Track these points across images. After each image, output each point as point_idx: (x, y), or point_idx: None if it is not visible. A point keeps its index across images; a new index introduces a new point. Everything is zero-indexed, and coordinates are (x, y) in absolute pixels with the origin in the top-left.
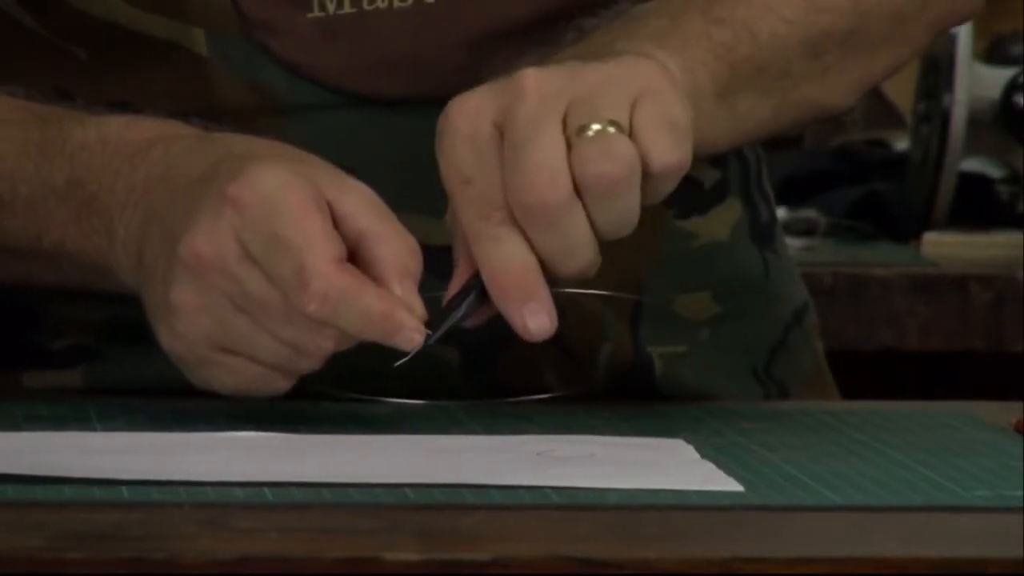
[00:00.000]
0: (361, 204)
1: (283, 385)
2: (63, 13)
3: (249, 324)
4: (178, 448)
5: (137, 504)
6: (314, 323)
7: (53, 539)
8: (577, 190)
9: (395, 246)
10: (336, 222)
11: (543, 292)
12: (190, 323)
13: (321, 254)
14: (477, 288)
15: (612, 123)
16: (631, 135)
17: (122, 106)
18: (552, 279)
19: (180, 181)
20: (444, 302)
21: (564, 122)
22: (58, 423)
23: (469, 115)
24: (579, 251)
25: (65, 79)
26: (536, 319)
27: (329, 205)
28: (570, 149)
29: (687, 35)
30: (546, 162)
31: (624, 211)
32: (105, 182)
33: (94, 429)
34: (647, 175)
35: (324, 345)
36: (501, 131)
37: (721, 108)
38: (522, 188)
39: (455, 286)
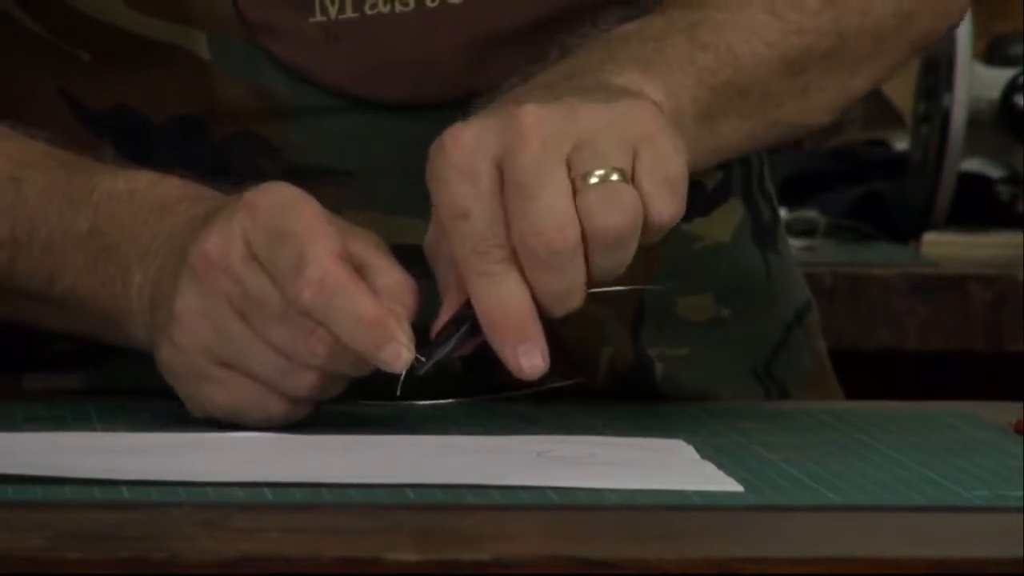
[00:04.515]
0: (368, 245)
1: (276, 409)
2: (65, 16)
3: (246, 332)
4: (178, 448)
5: (137, 504)
6: (307, 324)
7: (53, 539)
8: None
9: (395, 279)
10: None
11: (538, 332)
12: (189, 330)
13: (323, 246)
14: (469, 321)
15: (616, 170)
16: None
17: (125, 109)
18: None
19: (192, 229)
20: (433, 333)
21: (568, 164)
22: (58, 423)
23: (466, 150)
24: (574, 295)
25: (68, 82)
26: (530, 359)
27: None
28: (575, 193)
29: (671, 60)
30: (555, 207)
31: (622, 259)
32: (129, 231)
33: (94, 429)
34: (643, 226)
35: (317, 350)
36: (500, 170)
37: (703, 131)
38: (530, 232)
39: (444, 316)
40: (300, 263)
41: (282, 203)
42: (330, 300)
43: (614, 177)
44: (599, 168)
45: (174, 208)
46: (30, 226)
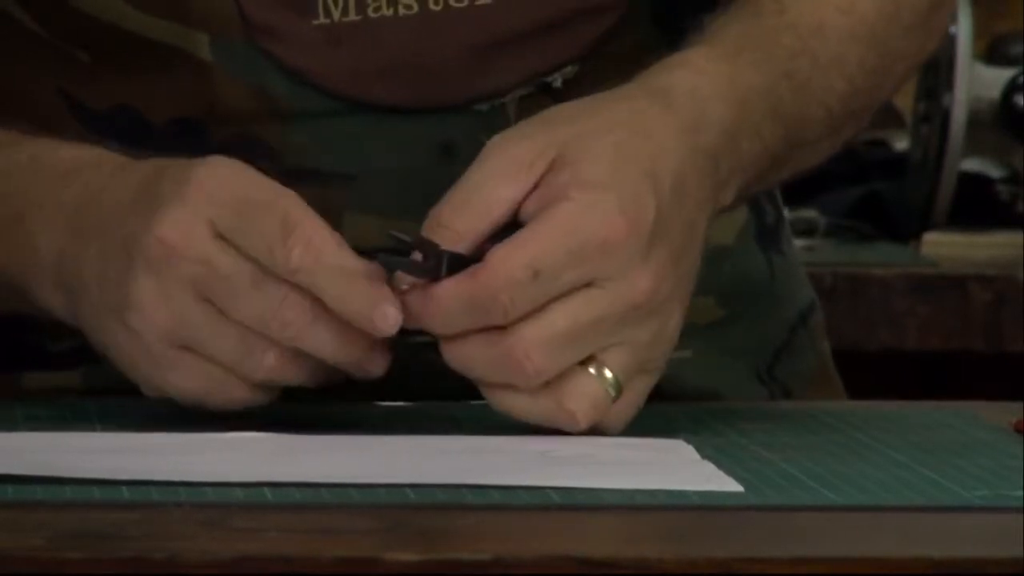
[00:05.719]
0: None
1: (237, 392)
2: (65, 15)
3: (208, 313)
4: (178, 448)
5: (137, 504)
6: (279, 293)
7: (53, 539)
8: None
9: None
10: None
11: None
12: (147, 318)
13: (302, 209)
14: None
15: (616, 385)
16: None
17: (125, 110)
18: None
19: (110, 204)
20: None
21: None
22: (58, 423)
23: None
24: None
25: (67, 82)
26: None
27: None
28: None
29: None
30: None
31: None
32: (34, 198)
33: (94, 429)
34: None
35: (288, 317)
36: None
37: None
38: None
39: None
40: (285, 226)
41: (236, 177)
42: (319, 257)
43: (609, 378)
44: (608, 371)
45: (77, 175)
46: None
